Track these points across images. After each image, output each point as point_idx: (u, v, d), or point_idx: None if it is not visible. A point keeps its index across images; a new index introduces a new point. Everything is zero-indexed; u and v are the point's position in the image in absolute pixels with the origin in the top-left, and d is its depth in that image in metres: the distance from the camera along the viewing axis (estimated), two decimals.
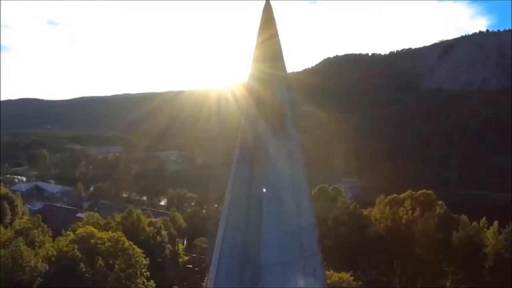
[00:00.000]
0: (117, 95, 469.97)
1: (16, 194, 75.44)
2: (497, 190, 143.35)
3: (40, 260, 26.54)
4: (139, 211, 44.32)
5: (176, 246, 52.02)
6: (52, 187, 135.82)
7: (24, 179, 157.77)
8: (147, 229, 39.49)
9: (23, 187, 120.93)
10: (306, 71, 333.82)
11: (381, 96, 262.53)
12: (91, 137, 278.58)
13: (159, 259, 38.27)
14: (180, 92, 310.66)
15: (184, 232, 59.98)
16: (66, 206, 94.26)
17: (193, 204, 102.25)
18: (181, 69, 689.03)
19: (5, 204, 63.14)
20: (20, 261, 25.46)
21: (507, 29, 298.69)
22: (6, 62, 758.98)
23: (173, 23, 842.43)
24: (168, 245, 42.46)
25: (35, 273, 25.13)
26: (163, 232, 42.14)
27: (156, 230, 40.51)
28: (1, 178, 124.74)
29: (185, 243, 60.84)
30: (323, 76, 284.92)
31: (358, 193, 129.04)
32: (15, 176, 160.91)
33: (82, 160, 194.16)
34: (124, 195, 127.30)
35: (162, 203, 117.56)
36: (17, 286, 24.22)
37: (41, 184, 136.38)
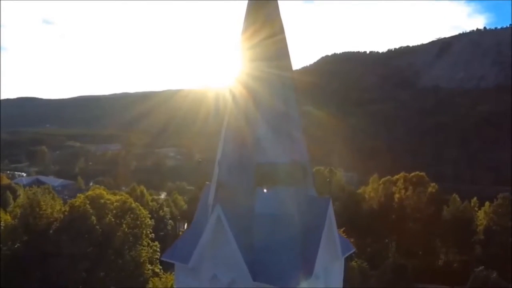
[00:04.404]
0: (116, 94, 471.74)
1: (18, 185, 76.60)
2: (493, 185, 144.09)
3: (56, 210, 28.18)
4: (142, 187, 45.79)
5: (178, 230, 53.40)
6: (53, 180, 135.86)
7: (24, 174, 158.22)
8: (150, 203, 40.97)
9: (24, 180, 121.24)
10: (304, 70, 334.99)
11: (379, 93, 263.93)
12: (90, 135, 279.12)
13: (161, 233, 39.72)
14: (178, 90, 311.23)
15: (185, 214, 61.04)
16: (67, 198, 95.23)
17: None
18: (179, 68, 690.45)
19: (8, 193, 64.36)
20: (37, 209, 27.05)
21: (504, 26, 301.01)
22: (3, 61, 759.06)
23: (171, 22, 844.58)
24: (170, 221, 43.95)
25: (51, 219, 26.75)
26: (165, 209, 43.61)
27: (159, 205, 42.00)
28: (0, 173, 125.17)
29: (185, 227, 62.01)
30: (321, 74, 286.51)
31: (355, 186, 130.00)
32: (16, 172, 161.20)
33: (82, 157, 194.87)
34: (123, 188, 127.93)
35: (162, 196, 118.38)
36: (33, 229, 25.79)
37: (42, 177, 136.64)
